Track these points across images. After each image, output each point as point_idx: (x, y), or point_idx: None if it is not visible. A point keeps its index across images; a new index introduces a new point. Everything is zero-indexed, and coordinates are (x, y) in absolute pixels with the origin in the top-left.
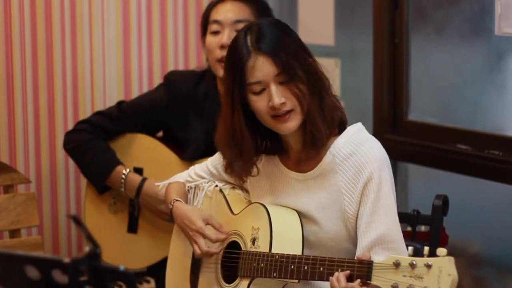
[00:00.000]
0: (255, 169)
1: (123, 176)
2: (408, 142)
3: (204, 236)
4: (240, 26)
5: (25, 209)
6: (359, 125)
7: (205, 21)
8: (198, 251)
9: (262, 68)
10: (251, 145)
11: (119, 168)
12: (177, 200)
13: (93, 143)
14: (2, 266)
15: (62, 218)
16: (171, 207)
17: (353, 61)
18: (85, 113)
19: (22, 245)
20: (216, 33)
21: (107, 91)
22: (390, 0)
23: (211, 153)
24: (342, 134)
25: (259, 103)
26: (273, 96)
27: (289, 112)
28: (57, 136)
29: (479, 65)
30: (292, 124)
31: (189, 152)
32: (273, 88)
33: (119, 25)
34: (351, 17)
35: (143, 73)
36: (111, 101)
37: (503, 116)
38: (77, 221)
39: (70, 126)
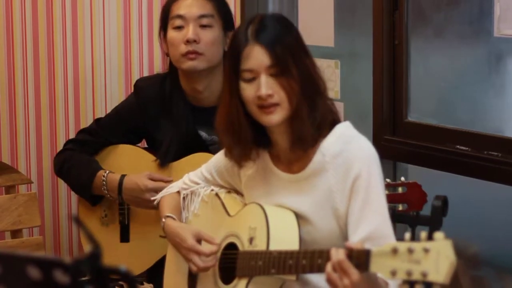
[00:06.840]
0: (253, 154)
1: (104, 179)
2: (408, 143)
3: (198, 253)
4: (205, 21)
5: (27, 210)
6: (346, 124)
7: (166, 16)
8: (194, 268)
9: (256, 57)
10: (248, 133)
11: (100, 173)
12: (168, 217)
13: (74, 159)
14: (4, 267)
15: (63, 218)
16: (162, 224)
17: (352, 63)
18: (86, 113)
19: (23, 246)
20: (179, 28)
21: (108, 92)
22: (389, 2)
23: (183, 153)
24: (330, 133)
25: (248, 91)
26: (261, 86)
27: (275, 105)
28: (58, 137)
29: (478, 66)
30: (275, 117)
31: (161, 153)
32: (263, 78)
33: (120, 26)
34: (351, 18)
35: (144, 74)
36: (112, 102)
37: (502, 117)
38: (78, 221)
39: (71, 127)
